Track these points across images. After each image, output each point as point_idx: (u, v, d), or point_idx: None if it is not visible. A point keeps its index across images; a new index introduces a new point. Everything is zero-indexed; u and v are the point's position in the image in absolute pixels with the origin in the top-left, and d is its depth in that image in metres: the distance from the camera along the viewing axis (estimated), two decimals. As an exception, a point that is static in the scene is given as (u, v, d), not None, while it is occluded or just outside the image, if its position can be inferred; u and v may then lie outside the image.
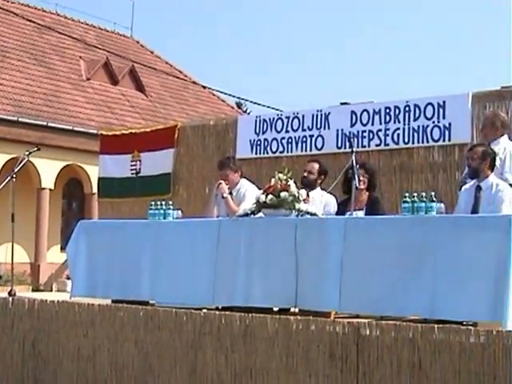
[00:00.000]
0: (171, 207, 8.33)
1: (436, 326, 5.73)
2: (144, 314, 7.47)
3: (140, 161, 12.91)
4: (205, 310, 7.25)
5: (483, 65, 66.05)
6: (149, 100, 27.76)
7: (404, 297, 6.44)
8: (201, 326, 7.02)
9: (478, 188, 7.40)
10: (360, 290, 6.70)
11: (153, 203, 8.41)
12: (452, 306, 6.20)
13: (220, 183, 8.78)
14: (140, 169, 12.91)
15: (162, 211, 8.28)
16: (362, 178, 8.20)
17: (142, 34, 51.98)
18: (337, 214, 8.17)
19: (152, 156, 12.76)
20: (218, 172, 8.87)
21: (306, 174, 8.66)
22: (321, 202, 8.37)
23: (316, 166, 8.73)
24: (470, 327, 5.67)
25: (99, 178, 13.64)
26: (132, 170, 13.01)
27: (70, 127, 23.15)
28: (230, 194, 8.76)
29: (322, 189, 8.62)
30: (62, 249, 22.18)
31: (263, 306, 7.18)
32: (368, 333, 6.02)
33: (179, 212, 8.44)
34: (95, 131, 18.09)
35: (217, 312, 7.13)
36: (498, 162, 7.64)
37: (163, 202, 8.38)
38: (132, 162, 13.01)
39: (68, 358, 8.06)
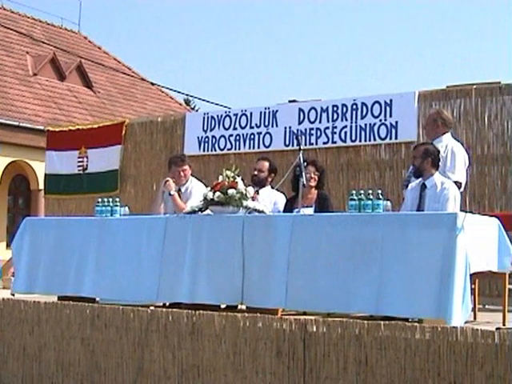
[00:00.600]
0: (118, 204, 8.27)
1: (382, 322, 5.75)
2: (91, 311, 7.40)
3: (87, 157, 12.82)
4: (152, 308, 7.20)
5: (429, 64, 66.72)
6: (96, 96, 27.53)
7: (350, 294, 6.47)
8: (148, 324, 6.98)
9: (423, 186, 7.45)
10: (306, 287, 6.71)
11: (100, 200, 8.34)
12: (398, 303, 6.24)
13: (167, 180, 8.74)
14: (87, 165, 12.82)
15: (108, 208, 8.21)
16: (312, 176, 8.22)
17: (89, 29, 51.64)
18: (284, 210, 8.18)
19: (99, 152, 12.68)
20: (175, 168, 8.81)
21: (256, 173, 8.65)
22: (270, 200, 8.37)
23: (266, 164, 8.74)
24: (416, 324, 5.71)
25: (46, 175, 13.51)
26: (79, 166, 12.92)
27: (17, 123, 22.85)
28: (179, 191, 8.73)
29: (271, 187, 8.62)
30: (8, 246, 21.90)
31: (208, 302, 7.15)
32: (315, 330, 6.03)
33: (126, 209, 8.38)
34: (42, 127, 17.86)
35: (164, 309, 7.09)
36: (440, 160, 7.70)
37: (110, 199, 8.31)
38: (79, 158, 12.92)
39: (13, 356, 7.95)
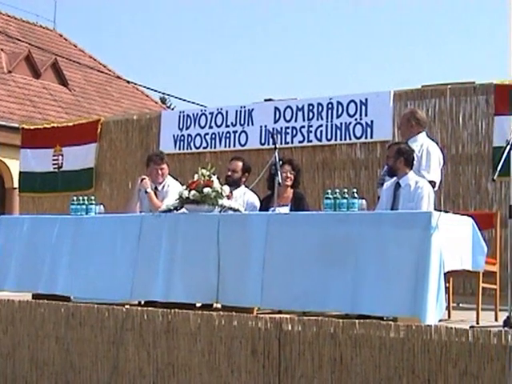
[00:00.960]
0: (93, 202, 8.24)
1: (357, 321, 5.77)
2: (65, 310, 7.36)
3: (62, 155, 12.78)
4: (127, 306, 7.18)
5: (404, 64, 67.03)
6: (72, 94, 27.39)
7: (326, 292, 6.47)
8: (123, 322, 6.95)
9: (398, 185, 7.48)
10: (282, 285, 6.71)
11: (75, 198, 8.30)
12: (373, 302, 6.25)
13: (143, 178, 8.72)
14: (62, 163, 12.78)
15: (83, 206, 8.17)
16: (288, 175, 8.24)
17: (65, 27, 51.35)
18: (260, 209, 8.18)
19: (74, 150, 12.64)
20: (154, 166, 8.80)
21: (229, 173, 8.63)
22: (243, 200, 8.35)
23: (240, 164, 8.71)
24: (390, 322, 5.73)
25: (20, 173, 13.44)
26: (54, 164, 12.87)
27: (-9, 121, 22.69)
28: (155, 189, 8.71)
29: (245, 186, 8.61)
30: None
31: (183, 301, 7.14)
32: (290, 328, 6.03)
33: (101, 207, 8.35)
34: (17, 125, 17.72)
35: (139, 308, 7.07)
36: (414, 159, 7.73)
37: (85, 197, 8.27)
38: (54, 156, 12.87)
39: (-13, 355, 7.90)
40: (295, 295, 6.64)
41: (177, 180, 8.85)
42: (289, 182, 8.28)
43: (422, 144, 8.04)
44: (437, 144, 8.38)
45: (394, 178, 7.56)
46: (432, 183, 7.65)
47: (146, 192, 8.58)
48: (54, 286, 7.97)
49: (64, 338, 7.33)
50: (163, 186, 8.74)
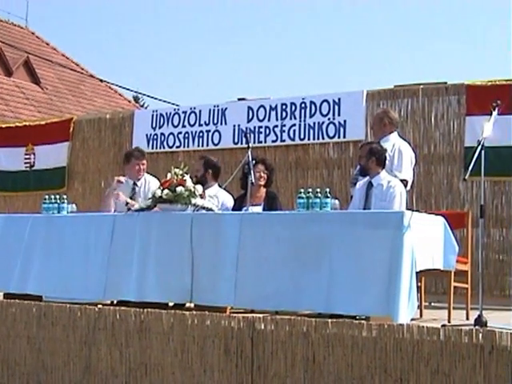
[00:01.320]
0: (65, 201, 8.20)
1: (329, 320, 5.77)
2: (37, 309, 7.31)
3: (34, 154, 12.72)
4: (100, 306, 7.15)
5: (377, 63, 67.27)
6: (44, 92, 27.23)
7: (299, 292, 6.48)
8: (95, 322, 6.92)
9: (370, 185, 7.51)
10: (255, 285, 6.71)
11: (47, 197, 8.26)
12: (346, 301, 6.27)
13: (119, 180, 8.72)
14: (34, 162, 12.74)
15: (56, 205, 8.13)
16: (262, 175, 8.24)
17: (37, 24, 51.10)
18: (233, 209, 8.18)
19: (46, 149, 12.59)
20: (135, 161, 8.80)
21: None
22: (216, 199, 8.33)
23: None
24: (363, 321, 5.74)
25: (-8, 172, 13.34)
26: (26, 163, 12.81)
27: (-38, 119, 22.52)
28: (134, 184, 8.71)
29: (218, 185, 8.58)
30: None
31: (157, 300, 7.12)
32: (263, 327, 6.03)
33: (73, 206, 8.31)
34: (-12, 124, 17.62)
35: (111, 307, 7.04)
36: (387, 159, 7.77)
37: (57, 196, 8.24)
38: (26, 155, 12.81)
39: (-43, 355, 7.83)
40: (268, 294, 6.64)
41: (155, 177, 8.80)
42: (262, 182, 8.28)
43: (394, 143, 8.08)
44: (409, 144, 8.42)
45: (367, 178, 7.59)
46: (404, 182, 7.69)
47: (127, 203, 8.46)
48: (26, 285, 7.91)
49: (36, 338, 7.28)
50: (142, 183, 8.75)
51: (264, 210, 7.99)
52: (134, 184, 8.76)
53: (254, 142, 10.36)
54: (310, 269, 6.48)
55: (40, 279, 7.86)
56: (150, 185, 8.70)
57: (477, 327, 5.81)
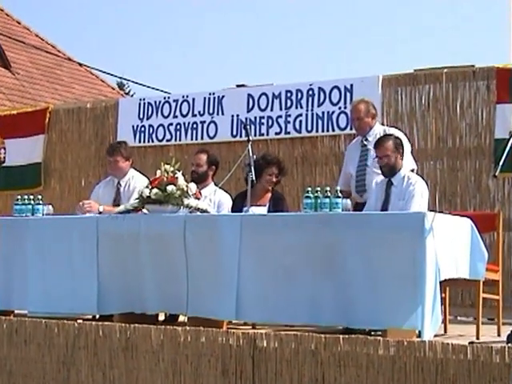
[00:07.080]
0: (41, 202, 8.21)
1: (341, 336, 5.78)
2: (7, 326, 7.30)
3: (4, 148, 12.74)
4: (80, 321, 7.16)
5: (395, 47, 67.32)
6: (15, 78, 27.24)
7: (313, 305, 6.50)
8: (74, 339, 6.92)
9: (390, 183, 7.50)
10: (262, 296, 6.73)
11: (19, 197, 8.27)
12: (364, 313, 6.30)
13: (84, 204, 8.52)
14: (5, 158, 12.76)
15: (29, 207, 8.14)
16: (274, 180, 8.26)
17: (7, 1, 51.07)
18: (233, 208, 8.17)
19: (19, 143, 12.61)
20: (106, 158, 8.80)
21: (194, 168, 8.59)
22: (214, 200, 8.34)
23: (203, 156, 8.66)
24: (379, 338, 5.74)
25: (-43, 169, 13.36)
26: (-5, 159, 12.82)
27: None
28: (118, 184, 8.70)
29: (215, 184, 8.59)
30: None
31: (156, 312, 7.22)
32: (265, 345, 6.03)
33: (50, 207, 8.31)
34: (-48, 114, 17.64)
35: (93, 323, 7.04)
36: (372, 152, 7.83)
37: (31, 196, 8.25)
38: (-5, 150, 12.82)
39: None
40: (275, 307, 6.65)
41: (144, 175, 8.77)
42: (270, 186, 8.29)
43: (385, 130, 8.20)
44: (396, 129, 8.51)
45: (381, 176, 7.60)
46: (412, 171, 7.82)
47: (100, 213, 8.40)
48: (9, 300, 7.92)
49: (6, 359, 7.27)
50: (126, 183, 8.70)
51: (269, 212, 7.98)
52: (118, 184, 8.75)
53: (255, 135, 10.35)
54: (320, 277, 6.50)
55: (21, 293, 7.86)
56: (135, 183, 8.63)
57: (509, 345, 5.81)
